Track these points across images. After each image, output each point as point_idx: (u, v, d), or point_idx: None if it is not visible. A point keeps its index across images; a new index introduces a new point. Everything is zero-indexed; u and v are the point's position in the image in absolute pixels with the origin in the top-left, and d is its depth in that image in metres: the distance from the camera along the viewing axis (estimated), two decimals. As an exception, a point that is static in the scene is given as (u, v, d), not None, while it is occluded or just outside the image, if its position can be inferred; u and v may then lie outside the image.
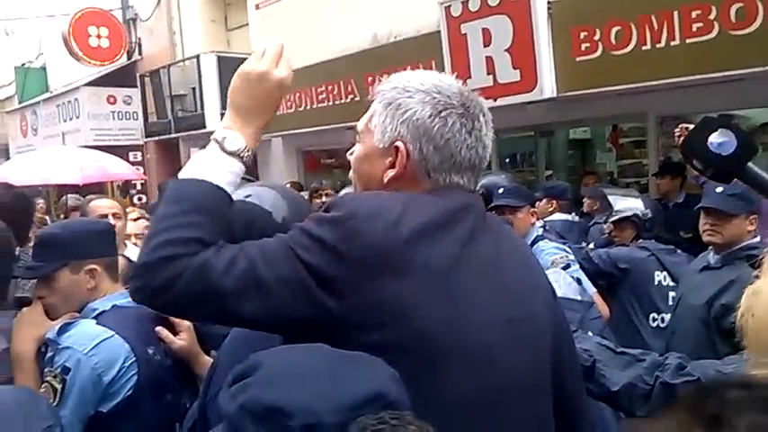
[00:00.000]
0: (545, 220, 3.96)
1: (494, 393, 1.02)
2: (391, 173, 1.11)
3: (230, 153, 1.11)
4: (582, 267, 3.39)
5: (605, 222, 3.81)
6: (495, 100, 4.88)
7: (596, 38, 4.75)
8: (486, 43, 5.20)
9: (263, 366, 0.83)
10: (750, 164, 1.02)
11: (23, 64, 14.88)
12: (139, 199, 10.81)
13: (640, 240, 3.53)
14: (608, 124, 7.03)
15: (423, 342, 0.98)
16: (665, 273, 3.33)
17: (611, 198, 3.74)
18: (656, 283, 3.34)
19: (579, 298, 2.28)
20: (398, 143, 1.10)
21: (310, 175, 9.15)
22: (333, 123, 7.24)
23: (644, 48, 4.51)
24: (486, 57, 5.19)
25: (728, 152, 1.01)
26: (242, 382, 0.82)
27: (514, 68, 5.07)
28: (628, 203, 3.62)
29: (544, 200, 4.60)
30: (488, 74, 5.17)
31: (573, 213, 4.80)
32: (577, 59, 4.87)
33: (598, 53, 4.76)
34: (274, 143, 9.11)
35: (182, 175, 1.11)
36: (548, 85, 4.99)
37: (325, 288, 0.98)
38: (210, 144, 1.13)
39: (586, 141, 8.00)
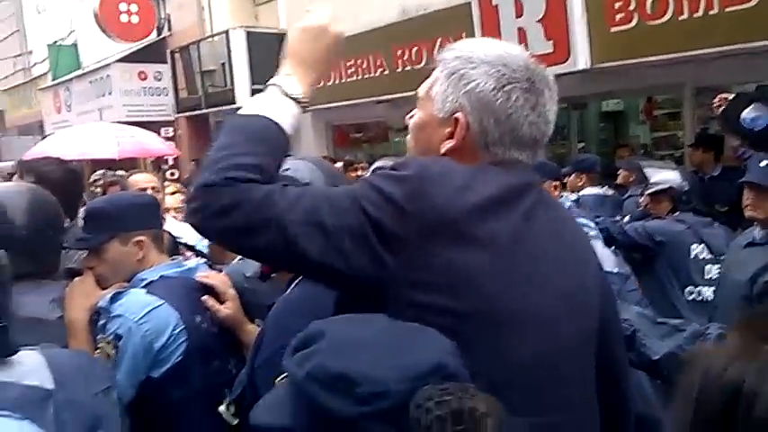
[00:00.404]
0: (578, 194, 3.93)
1: (551, 356, 1.04)
2: (449, 143, 1.11)
3: (290, 96, 1.14)
4: (616, 240, 3.38)
5: (641, 195, 3.77)
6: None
7: (631, 8, 4.66)
8: (519, 14, 5.13)
9: (326, 335, 0.85)
10: None
11: (56, 41, 15.08)
12: (172, 174, 10.95)
13: (677, 213, 3.50)
14: (642, 96, 6.91)
15: (475, 309, 0.99)
16: (702, 245, 3.30)
17: (647, 170, 3.69)
18: (692, 256, 3.31)
19: (616, 270, 2.28)
20: (458, 114, 1.09)
21: (340, 150, 9.17)
22: (362, 97, 7.24)
23: (681, 17, 4.41)
24: (519, 28, 5.13)
25: (761, 127, 1.04)
26: (308, 350, 0.84)
27: (547, 39, 5.01)
28: (664, 176, 3.57)
29: (573, 174, 4.57)
30: (520, 44, 5.10)
31: (605, 186, 4.76)
32: (612, 30, 4.79)
33: (633, 23, 4.67)
34: (303, 118, 9.11)
35: (243, 111, 1.13)
36: (581, 57, 4.92)
37: (385, 243, 0.98)
38: (269, 88, 1.16)
39: (619, 114, 7.87)
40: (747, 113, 0.92)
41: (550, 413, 1.03)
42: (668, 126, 7.10)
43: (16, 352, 1.20)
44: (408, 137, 1.21)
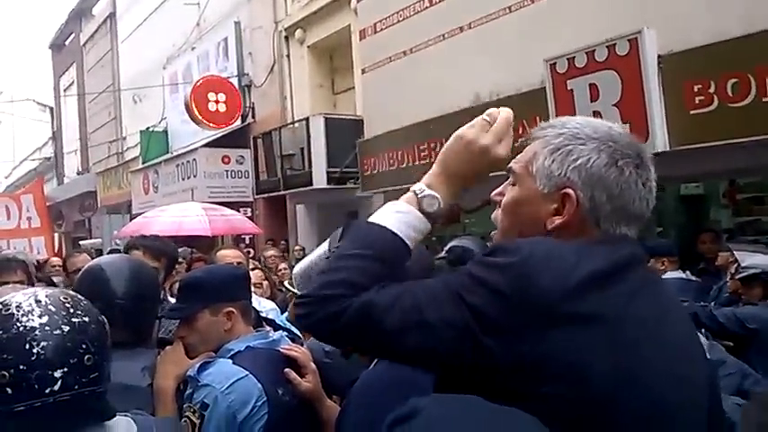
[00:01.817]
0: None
1: None
2: (558, 220, 1.08)
3: (424, 213, 1.13)
4: (704, 326, 3.22)
5: (730, 279, 3.61)
6: (604, 155, 4.79)
7: (711, 90, 4.62)
8: (594, 98, 5.17)
9: (423, 412, 0.85)
10: None
11: (148, 128, 16.21)
12: (248, 252, 11.28)
13: (770, 300, 3.32)
14: (724, 179, 6.71)
15: (588, 396, 0.94)
16: (798, 335, 3.10)
17: (738, 254, 3.55)
18: (788, 344, 3.11)
19: (708, 356, 2.17)
20: (568, 189, 1.07)
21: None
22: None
23: (764, 99, 4.33)
24: (594, 111, 5.14)
25: None
26: (404, 426, 0.84)
27: (624, 122, 4.99)
28: (756, 260, 3.42)
29: (652, 259, 4.44)
30: (596, 128, 5.11)
31: (687, 272, 4.59)
32: (691, 112, 4.74)
33: (713, 106, 4.61)
34: (375, 199, 9.34)
35: (371, 218, 1.14)
36: (660, 139, 4.86)
37: (490, 334, 0.96)
38: (409, 194, 1.15)
39: (699, 197, 7.65)
40: None
41: None
42: (753, 210, 6.83)
43: (114, 416, 1.25)
44: (497, 215, 1.18)
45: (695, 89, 4.69)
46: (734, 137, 4.57)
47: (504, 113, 1.16)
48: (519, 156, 1.15)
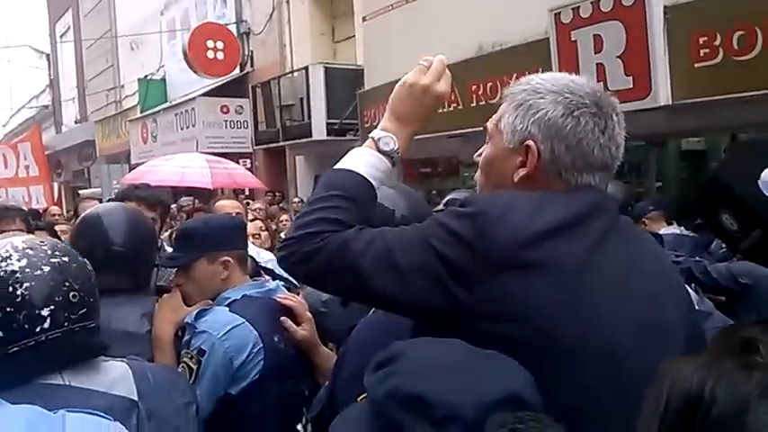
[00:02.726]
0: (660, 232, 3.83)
1: (615, 397, 1.00)
2: (522, 171, 1.13)
3: (383, 152, 1.23)
4: (697, 280, 3.25)
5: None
6: (606, 108, 4.76)
7: (717, 43, 4.54)
8: (598, 50, 5.09)
9: (405, 356, 0.88)
10: None
11: (146, 76, 16.00)
12: (247, 204, 11.30)
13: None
14: (726, 134, 6.66)
15: (545, 339, 0.99)
16: (791, 290, 3.13)
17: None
18: (780, 300, 3.14)
19: (697, 308, 2.19)
20: (529, 142, 1.12)
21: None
22: (435, 132, 7.28)
23: (770, 52, 4.26)
24: (597, 63, 5.08)
25: None
26: (387, 369, 0.87)
27: (627, 75, 4.93)
28: (752, 216, 3.42)
29: (645, 216, 4.47)
30: (599, 81, 5.03)
31: (682, 227, 4.61)
32: (696, 65, 4.67)
33: (719, 59, 4.54)
34: (376, 151, 9.31)
35: (337, 165, 1.22)
36: (663, 93, 4.81)
37: (455, 279, 1.02)
38: (368, 141, 1.25)
39: (700, 153, 7.60)
40: None
41: None
42: (754, 166, 6.81)
43: (102, 353, 1.27)
44: (477, 174, 1.25)
45: (701, 41, 4.61)
46: (738, 91, 4.52)
47: (439, 57, 1.27)
48: (494, 115, 1.21)
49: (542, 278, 1.01)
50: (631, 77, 4.93)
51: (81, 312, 1.20)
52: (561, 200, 1.08)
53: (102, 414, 1.13)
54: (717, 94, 4.65)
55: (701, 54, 4.62)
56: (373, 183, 1.20)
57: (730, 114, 5.05)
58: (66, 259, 1.22)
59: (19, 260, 1.17)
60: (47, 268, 1.18)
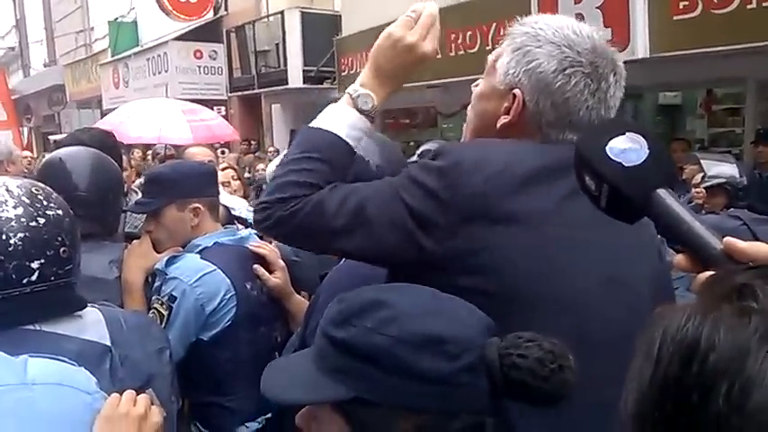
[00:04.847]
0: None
1: (581, 351, 1.03)
2: (504, 119, 1.12)
3: (360, 110, 1.17)
4: (663, 233, 3.31)
5: (695, 187, 3.68)
6: (584, 59, 4.74)
7: (696, -5, 4.52)
8: (577, 0, 5.03)
9: (389, 303, 0.86)
10: (662, 191, 0.68)
11: (116, 18, 15.48)
12: (222, 152, 11.14)
13: (731, 209, 3.40)
14: (702, 89, 6.70)
15: (513, 290, 1.00)
16: (756, 243, 3.20)
17: (704, 163, 3.59)
18: (746, 253, 3.21)
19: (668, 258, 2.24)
20: (516, 91, 1.10)
21: (387, 134, 9.18)
22: (413, 82, 7.20)
23: (749, 6, 4.25)
24: (577, 14, 5.02)
25: (633, 163, 0.69)
26: (379, 318, 0.85)
27: (606, 26, 4.89)
28: (722, 169, 3.47)
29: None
30: (578, 32, 5.01)
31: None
32: (675, 18, 4.65)
33: (697, 12, 4.53)
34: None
35: (313, 123, 1.18)
36: (641, 45, 4.80)
37: (425, 231, 1.02)
38: (344, 96, 1.19)
39: (676, 107, 7.66)
40: (616, 143, 0.69)
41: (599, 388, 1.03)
42: (727, 122, 6.87)
43: (85, 306, 1.26)
44: (469, 106, 1.22)
45: (681, -7, 4.59)
46: (716, 45, 4.52)
47: (429, 9, 1.17)
48: (496, 49, 1.17)
49: (511, 231, 1.01)
50: (610, 29, 4.89)
51: (67, 268, 1.18)
52: (534, 151, 1.07)
53: (67, 360, 1.12)
54: (695, 47, 4.65)
55: (681, 7, 4.60)
56: (352, 143, 1.15)
57: (708, 68, 5.07)
58: (60, 212, 1.19)
59: (14, 207, 1.13)
60: (42, 220, 1.15)
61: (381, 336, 0.83)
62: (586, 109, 1.09)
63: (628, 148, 0.72)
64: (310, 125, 1.18)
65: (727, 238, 0.63)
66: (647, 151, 0.71)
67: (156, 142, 7.35)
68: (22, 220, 1.13)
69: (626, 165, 0.71)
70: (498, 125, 1.13)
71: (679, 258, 0.67)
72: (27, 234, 1.12)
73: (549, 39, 1.09)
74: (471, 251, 1.01)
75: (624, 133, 0.72)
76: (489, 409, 0.83)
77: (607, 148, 0.72)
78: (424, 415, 0.83)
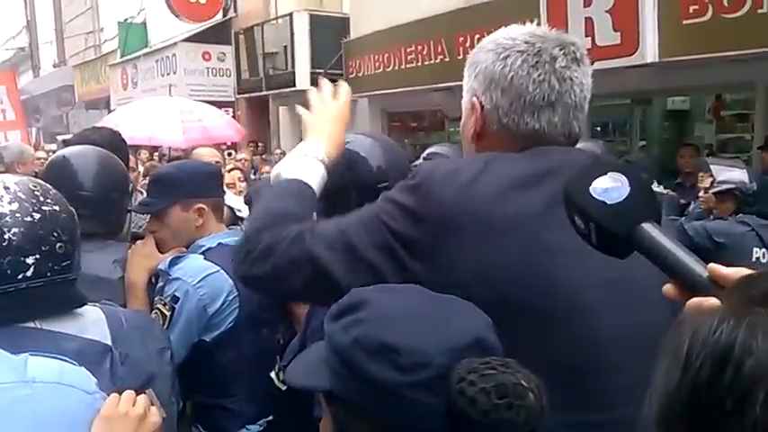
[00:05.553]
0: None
1: (585, 354, 1.00)
2: (472, 129, 1.14)
3: (317, 159, 1.27)
4: (675, 240, 3.28)
5: (705, 192, 3.65)
6: (593, 63, 4.71)
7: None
8: (587, 3, 5.01)
9: (369, 304, 0.87)
10: (647, 225, 0.72)
11: (126, 19, 15.55)
12: (229, 154, 11.16)
13: (740, 215, 3.37)
14: (711, 94, 6.66)
15: (504, 301, 0.97)
16: (764, 249, 3.17)
17: (713, 168, 3.56)
18: (753, 259, 3.18)
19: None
20: (473, 99, 1.13)
21: (394, 137, 9.17)
22: (421, 84, 7.20)
23: (760, 11, 4.22)
24: (586, 18, 5.01)
25: (615, 201, 0.74)
26: (353, 317, 0.86)
27: (615, 30, 4.87)
28: (731, 175, 3.44)
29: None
30: (586, 35, 4.99)
31: (661, 186, 4.64)
32: (684, 22, 4.62)
33: (707, 16, 4.50)
34: (360, 104, 9.19)
35: (283, 173, 1.27)
36: (650, 49, 4.77)
37: (409, 252, 1.02)
38: (301, 149, 1.29)
39: (684, 112, 7.61)
40: (599, 183, 0.70)
41: (599, 405, 1.00)
42: (736, 128, 6.83)
43: (84, 304, 1.25)
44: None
45: (690, -2, 4.56)
46: (725, 49, 4.49)
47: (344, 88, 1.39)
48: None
49: (493, 240, 0.99)
50: (619, 33, 4.88)
51: (64, 264, 1.17)
52: (514, 159, 1.06)
53: (67, 359, 1.12)
54: (704, 52, 4.62)
55: (691, 11, 4.58)
56: (315, 189, 1.24)
57: (717, 73, 5.04)
58: (56, 208, 1.19)
59: (10, 203, 1.13)
60: (37, 216, 1.15)
61: (346, 336, 0.84)
62: (533, 83, 1.07)
63: (610, 187, 0.76)
64: (281, 179, 1.27)
65: (711, 265, 0.64)
66: (629, 188, 0.75)
67: (146, 143, 7.27)
68: (17, 215, 1.12)
69: (608, 203, 0.75)
70: (470, 137, 1.15)
71: (668, 287, 0.69)
72: (21, 229, 1.12)
73: (490, 41, 1.13)
74: (454, 265, 1.00)
75: (606, 173, 0.76)
76: None
77: (590, 188, 0.76)
78: (380, 423, 0.82)
